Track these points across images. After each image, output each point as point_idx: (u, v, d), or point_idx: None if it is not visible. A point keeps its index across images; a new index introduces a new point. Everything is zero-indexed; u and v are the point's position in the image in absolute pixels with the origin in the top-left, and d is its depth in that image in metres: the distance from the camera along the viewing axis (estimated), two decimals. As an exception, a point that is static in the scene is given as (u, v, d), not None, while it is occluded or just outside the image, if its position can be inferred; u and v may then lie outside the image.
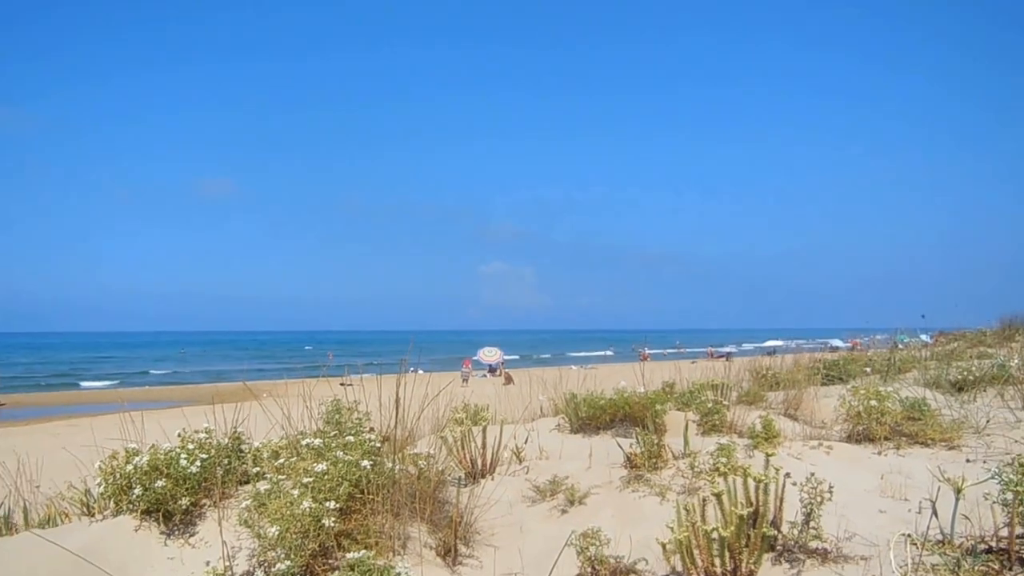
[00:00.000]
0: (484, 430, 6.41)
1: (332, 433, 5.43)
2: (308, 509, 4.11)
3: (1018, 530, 3.76)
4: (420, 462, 5.35)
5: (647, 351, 56.91)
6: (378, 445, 5.23)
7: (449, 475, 5.75)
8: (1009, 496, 3.77)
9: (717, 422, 7.23)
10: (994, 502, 3.92)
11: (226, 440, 5.76)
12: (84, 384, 54.00)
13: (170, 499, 4.87)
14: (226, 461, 5.54)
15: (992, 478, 3.93)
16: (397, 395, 5.45)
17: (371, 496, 4.77)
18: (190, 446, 5.20)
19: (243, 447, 5.82)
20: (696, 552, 3.75)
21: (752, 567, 3.77)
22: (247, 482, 5.49)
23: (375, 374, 6.49)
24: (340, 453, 4.75)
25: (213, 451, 5.37)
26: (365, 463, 4.69)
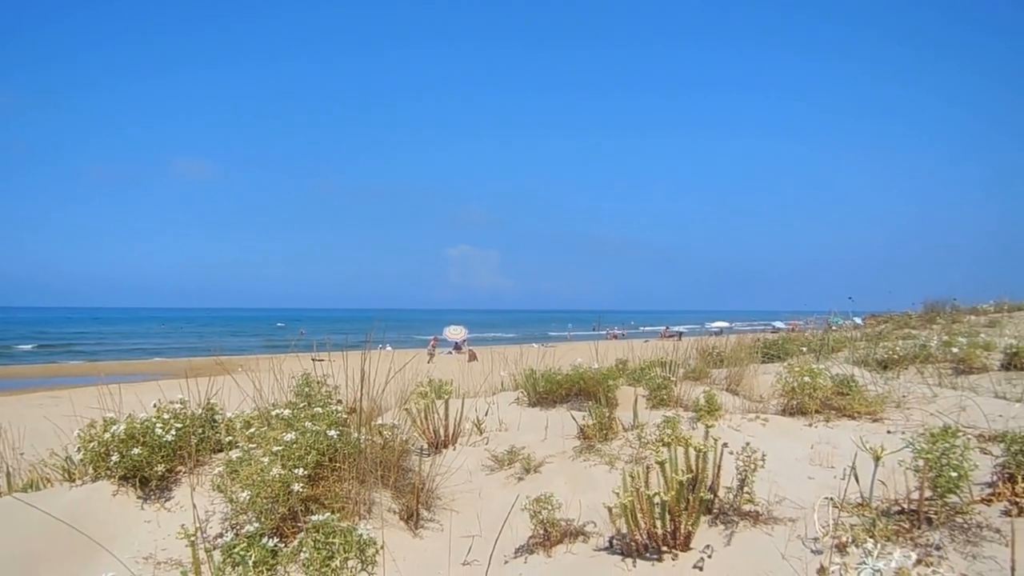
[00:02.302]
0: (446, 403, 6.46)
1: (301, 405, 5.47)
2: (278, 475, 4.15)
3: (927, 493, 3.93)
4: (385, 432, 5.41)
5: (616, 330, 57.41)
6: (345, 416, 5.28)
7: (413, 445, 5.80)
8: (920, 463, 3.94)
9: (665, 397, 7.37)
10: (907, 469, 4.09)
11: (200, 411, 5.78)
12: (64, 358, 52.80)
13: (146, 466, 4.88)
14: (200, 430, 5.55)
15: (907, 447, 4.10)
16: (362, 370, 5.50)
17: (338, 464, 4.82)
18: (165, 416, 5.21)
19: (216, 417, 5.83)
20: (639, 515, 3.85)
21: (690, 528, 3.89)
22: (220, 450, 5.51)
23: (345, 350, 6.51)
24: (309, 424, 4.79)
25: (187, 421, 5.38)
26: (332, 433, 4.74)
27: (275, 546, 3.48)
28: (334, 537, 3.16)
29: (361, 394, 5.50)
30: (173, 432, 5.07)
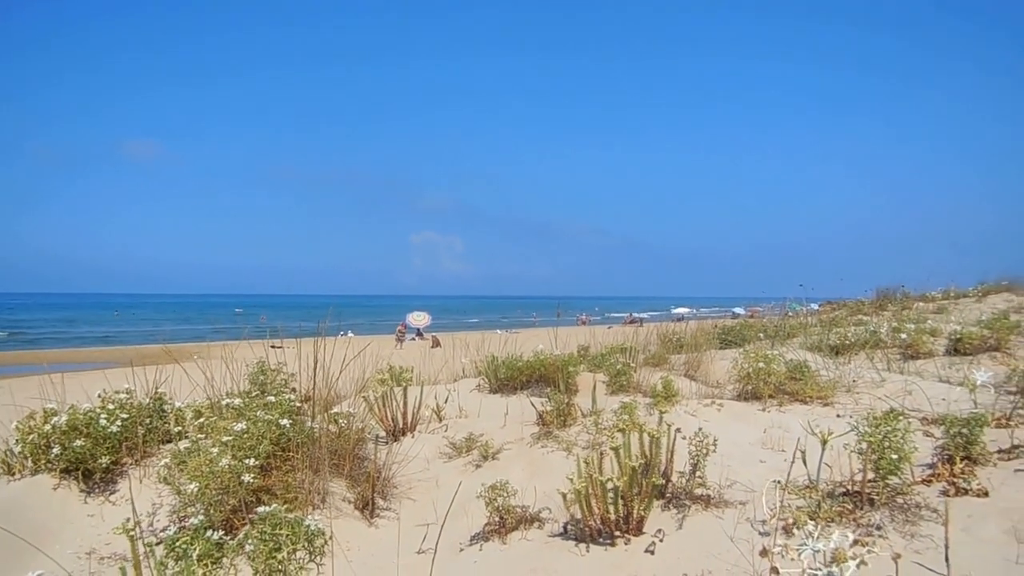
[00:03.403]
0: (405, 390, 6.46)
1: (254, 393, 5.45)
2: (227, 466, 4.10)
3: (870, 475, 4.10)
4: (341, 420, 5.40)
5: (584, 316, 57.63)
6: (298, 404, 5.26)
7: (370, 433, 5.79)
8: (864, 446, 4.11)
9: (624, 382, 7.46)
10: (852, 452, 4.26)
11: (148, 401, 5.69)
12: (6, 347, 51.10)
13: (90, 458, 4.77)
14: (148, 421, 5.45)
15: (852, 431, 4.26)
16: (315, 356, 5.50)
17: (291, 454, 4.79)
18: (111, 406, 5.12)
19: (165, 408, 5.73)
20: (593, 501, 3.93)
21: (643, 513, 3.98)
22: (169, 442, 5.43)
23: (302, 337, 6.49)
24: (261, 413, 4.75)
25: (134, 411, 5.28)
26: (285, 422, 4.70)
27: (220, 539, 3.47)
28: (281, 528, 3.17)
29: (315, 381, 5.50)
30: (119, 423, 4.97)
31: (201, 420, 5.36)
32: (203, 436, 4.88)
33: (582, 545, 3.96)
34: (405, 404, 6.40)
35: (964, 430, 4.61)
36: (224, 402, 5.23)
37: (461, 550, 4.28)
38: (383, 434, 6.25)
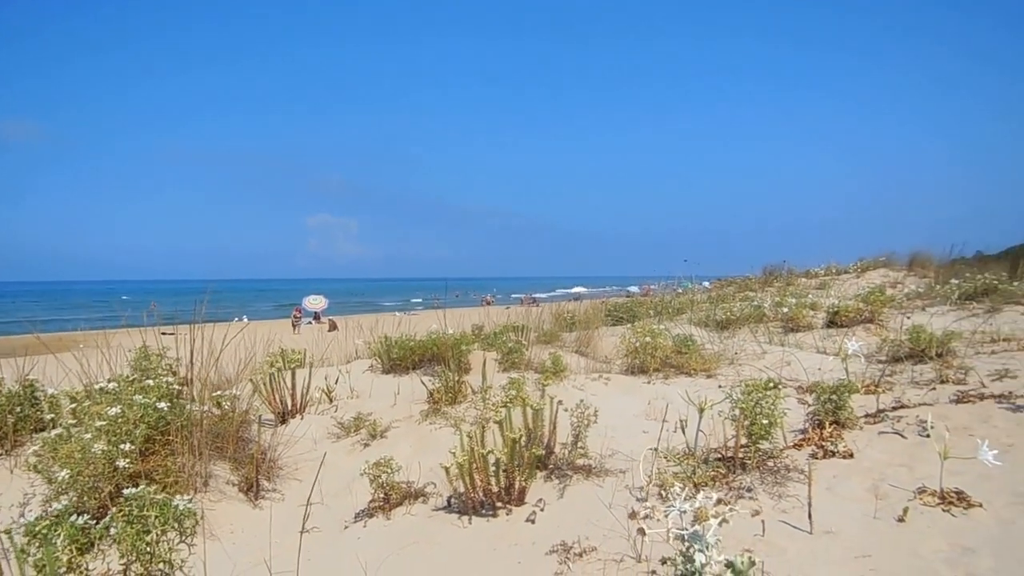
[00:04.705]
0: (293, 372, 6.35)
1: (132, 378, 5.20)
2: (101, 452, 3.95)
3: (743, 441, 4.25)
4: (224, 403, 5.26)
5: (490, 297, 57.80)
6: (178, 388, 5.06)
7: (257, 416, 5.67)
8: (737, 413, 4.26)
9: (516, 360, 7.53)
10: (725, 419, 4.40)
11: (18, 388, 5.41)
12: None
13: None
14: (18, 410, 5.24)
15: (726, 399, 4.40)
16: (191, 339, 5.30)
17: (171, 437, 4.64)
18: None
19: (38, 395, 5.50)
20: (476, 474, 3.95)
21: (524, 484, 4.03)
22: (43, 429, 5.22)
23: (201, 323, 6.24)
24: (138, 397, 4.57)
25: (3, 399, 5.06)
26: (162, 405, 4.54)
27: (86, 523, 3.29)
28: (149, 510, 3.02)
29: (191, 364, 5.30)
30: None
31: (74, 406, 5.07)
32: (75, 422, 4.61)
33: (465, 517, 4.00)
34: (293, 386, 6.29)
35: (833, 397, 4.86)
36: (98, 386, 4.95)
37: (346, 527, 4.25)
38: (271, 417, 6.11)
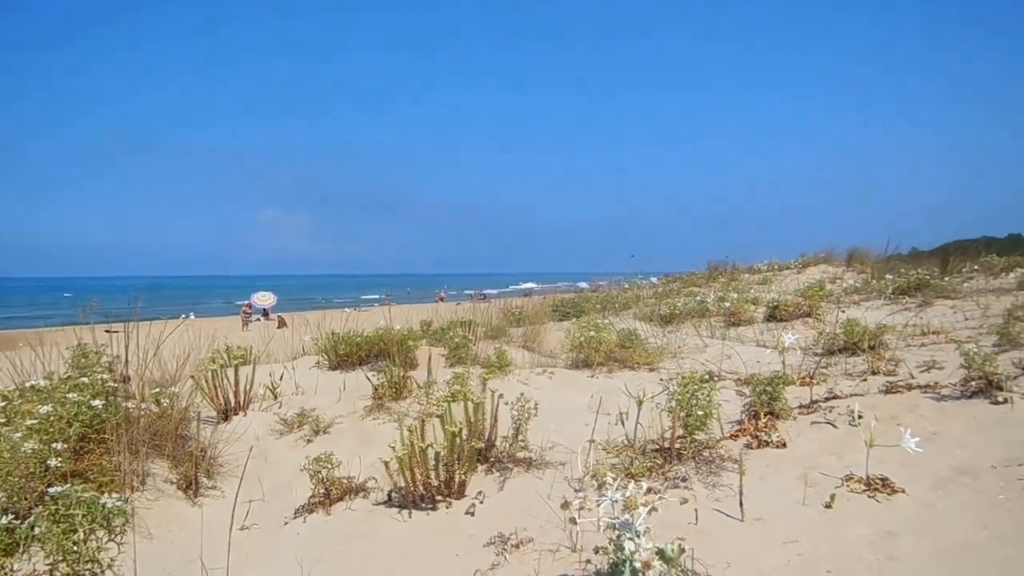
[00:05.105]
0: (236, 369, 6.26)
1: (66, 376, 5.07)
2: (32, 451, 3.84)
3: (679, 432, 4.33)
4: (163, 400, 5.16)
5: (444, 293, 57.57)
6: (114, 385, 4.95)
7: (199, 413, 5.58)
8: (673, 404, 4.33)
9: (463, 355, 7.54)
10: (662, 411, 4.48)
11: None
12: None
13: None
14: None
15: (664, 392, 4.47)
16: (126, 334, 5.19)
17: (107, 436, 4.53)
18: None
19: (-36, 395, 5.29)
20: (416, 468, 3.94)
21: (464, 477, 4.04)
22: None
23: (147, 320, 6.09)
24: (72, 395, 4.45)
25: None
26: (97, 403, 4.43)
27: (11, 523, 3.19)
28: (76, 508, 2.94)
29: (126, 361, 5.19)
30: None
31: (3, 404, 4.91)
32: (5, 422, 4.47)
33: (405, 511, 4.00)
34: (236, 383, 6.19)
35: (768, 388, 4.98)
36: (29, 384, 4.81)
37: (285, 523, 4.21)
38: (214, 414, 6.01)
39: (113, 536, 3.14)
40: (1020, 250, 14.86)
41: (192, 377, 6.04)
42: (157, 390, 5.32)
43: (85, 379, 4.80)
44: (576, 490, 3.95)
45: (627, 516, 2.57)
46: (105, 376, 4.96)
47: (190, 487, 4.68)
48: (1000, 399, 4.49)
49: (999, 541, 3.01)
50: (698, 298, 11.28)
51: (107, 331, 6.13)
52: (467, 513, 3.86)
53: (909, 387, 5.25)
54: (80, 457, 4.37)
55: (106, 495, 3.16)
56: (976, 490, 3.53)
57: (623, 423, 4.68)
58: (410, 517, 3.92)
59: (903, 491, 3.60)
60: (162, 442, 4.89)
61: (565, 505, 2.69)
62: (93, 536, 3.02)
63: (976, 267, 12.05)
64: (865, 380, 5.72)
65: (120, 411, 4.64)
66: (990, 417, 4.34)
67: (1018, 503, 3.31)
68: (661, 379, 6.44)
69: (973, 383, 4.83)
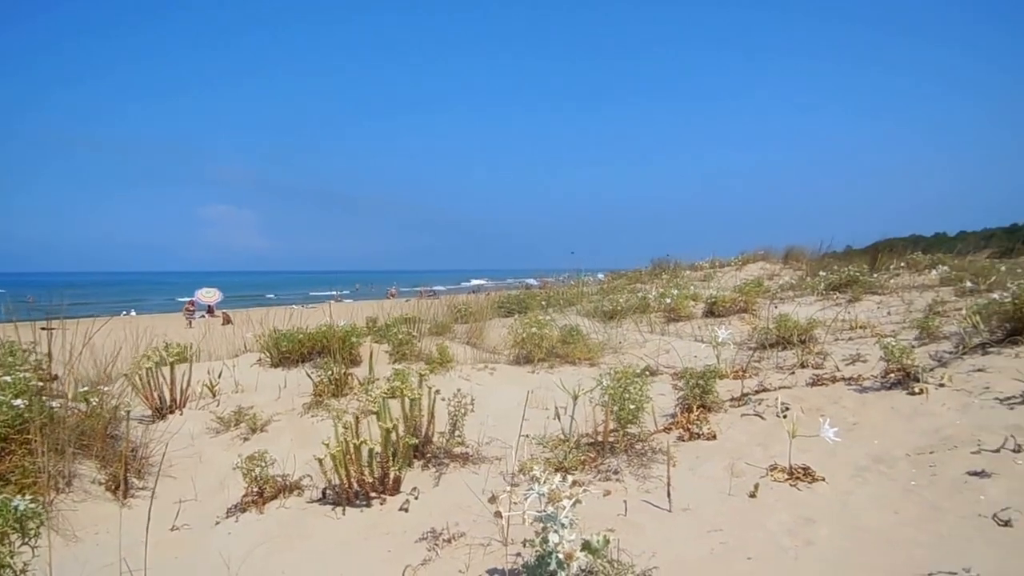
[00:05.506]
0: (172, 367, 6.12)
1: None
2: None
3: (613, 425, 4.39)
4: (92, 399, 5.02)
5: (395, 289, 57.11)
6: (40, 384, 4.81)
7: (128, 412, 5.44)
8: (607, 399, 4.39)
9: (407, 351, 7.51)
10: (596, 405, 4.54)
11: None
12: None
13: None
14: None
15: (597, 387, 4.53)
16: (49, 331, 5.05)
17: (31, 436, 4.40)
18: None
19: None
20: (350, 465, 3.92)
21: (398, 473, 4.03)
22: None
23: (87, 317, 5.92)
24: (-7, 395, 4.31)
25: None
26: (19, 402, 4.29)
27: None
28: (-15, 511, 2.85)
29: (50, 359, 5.04)
30: None
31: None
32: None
33: (339, 508, 3.96)
34: (173, 381, 6.05)
35: (701, 382, 5.08)
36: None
37: (217, 523, 4.13)
38: (149, 413, 5.87)
39: (27, 539, 3.06)
40: (944, 248, 15.44)
41: (126, 375, 5.91)
42: (86, 389, 5.19)
43: (8, 378, 4.65)
44: (512, 485, 3.96)
45: (552, 509, 2.61)
46: (29, 375, 4.81)
47: (119, 488, 4.55)
48: (917, 390, 4.66)
49: (908, 525, 3.13)
50: (640, 294, 11.44)
51: (43, 328, 5.95)
52: (401, 509, 3.84)
53: (834, 379, 5.42)
54: (0, 459, 4.24)
55: (19, 497, 3.07)
56: (891, 477, 3.66)
57: (559, 417, 4.73)
58: (344, 514, 3.88)
59: (823, 479, 3.71)
60: (91, 442, 4.75)
61: (493, 499, 2.70)
62: (6, 540, 2.94)
63: (903, 264, 12.48)
64: (793, 373, 5.88)
65: (45, 410, 4.52)
66: (906, 407, 4.50)
67: (928, 489, 3.44)
68: (601, 374, 6.53)
69: (892, 375, 5.01)
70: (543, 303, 11.79)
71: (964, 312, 6.21)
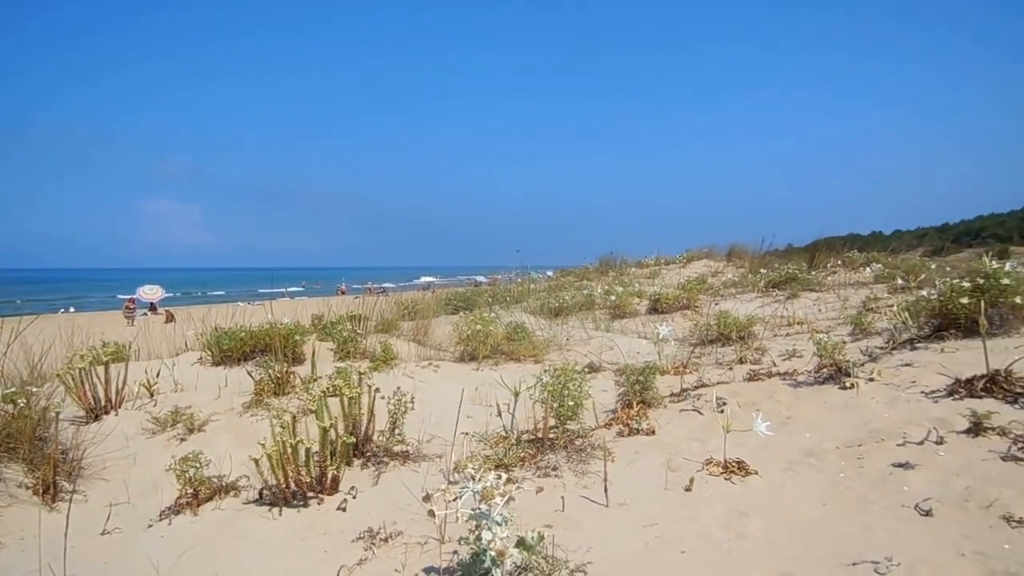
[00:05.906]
0: (107, 366, 5.93)
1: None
2: None
3: (552, 422, 4.40)
4: (19, 400, 4.84)
5: (345, 286, 56.42)
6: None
7: (57, 413, 5.26)
8: (547, 395, 4.39)
9: (352, 349, 7.43)
10: (536, 402, 4.54)
11: None
12: None
13: None
14: None
15: (537, 384, 4.53)
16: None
17: (-48, 440, 4.22)
18: None
19: None
20: (287, 464, 3.85)
21: (336, 473, 3.97)
22: None
23: (25, 315, 5.68)
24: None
25: None
26: (-63, 405, 4.12)
27: None
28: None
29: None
30: None
31: None
32: None
33: (276, 509, 3.88)
34: (107, 380, 5.86)
35: (641, 378, 5.11)
36: None
37: (149, 526, 4.01)
38: (83, 414, 5.68)
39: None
40: (880, 246, 15.91)
41: (58, 375, 5.71)
42: (13, 389, 4.99)
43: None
44: (452, 482, 3.94)
45: (486, 507, 2.59)
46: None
47: (48, 492, 4.40)
48: (848, 384, 4.77)
49: (835, 517, 3.19)
50: (586, 292, 11.51)
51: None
52: (339, 509, 3.78)
53: (770, 375, 5.52)
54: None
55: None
56: (821, 470, 3.74)
57: (500, 414, 4.72)
58: (280, 515, 3.81)
59: (756, 473, 3.77)
60: (17, 445, 4.58)
61: (427, 498, 2.68)
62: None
63: (840, 262, 12.82)
64: (732, 369, 5.97)
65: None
66: (838, 401, 4.61)
67: (856, 481, 3.52)
68: (545, 371, 6.55)
69: (825, 370, 5.12)
70: (490, 300, 11.79)
71: (895, 309, 6.39)
